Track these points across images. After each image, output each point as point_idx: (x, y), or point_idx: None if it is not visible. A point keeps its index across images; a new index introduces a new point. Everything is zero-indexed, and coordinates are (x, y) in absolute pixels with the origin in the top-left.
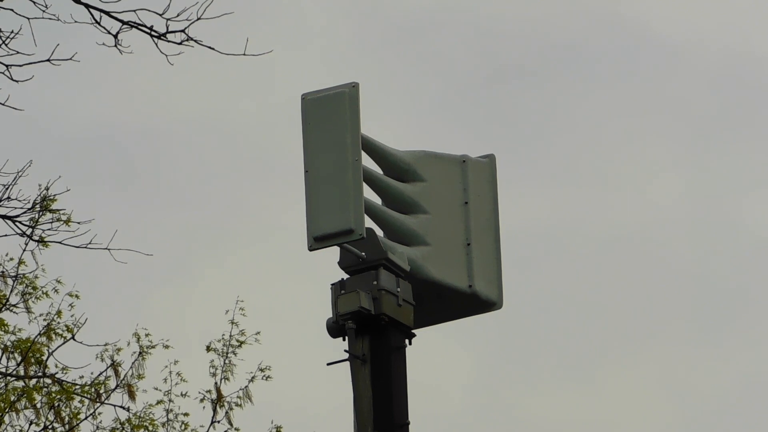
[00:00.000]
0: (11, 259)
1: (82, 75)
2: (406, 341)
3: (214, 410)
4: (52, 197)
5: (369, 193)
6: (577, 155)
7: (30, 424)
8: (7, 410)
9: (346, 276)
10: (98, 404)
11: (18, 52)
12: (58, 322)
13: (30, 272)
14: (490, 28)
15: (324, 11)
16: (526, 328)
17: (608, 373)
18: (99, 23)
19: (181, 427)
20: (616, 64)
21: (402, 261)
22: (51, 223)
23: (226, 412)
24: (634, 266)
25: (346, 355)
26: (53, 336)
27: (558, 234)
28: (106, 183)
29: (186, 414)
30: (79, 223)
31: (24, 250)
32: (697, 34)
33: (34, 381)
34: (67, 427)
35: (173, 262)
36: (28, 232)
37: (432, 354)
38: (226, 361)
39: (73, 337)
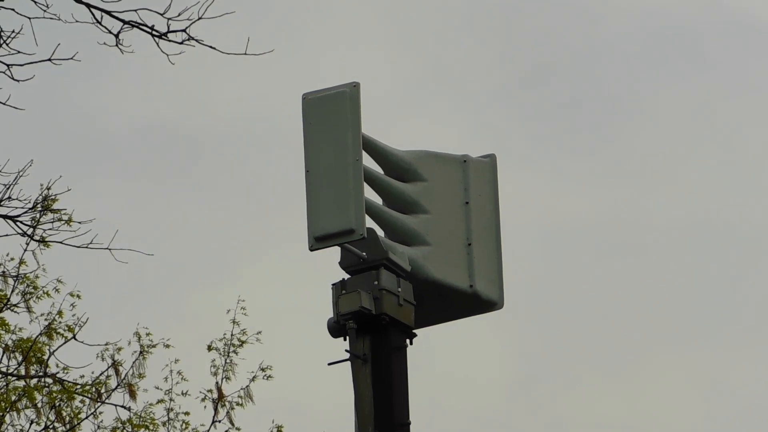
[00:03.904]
0: (12, 259)
1: (83, 74)
2: (407, 341)
3: (215, 409)
4: (53, 197)
5: (370, 193)
6: (659, 145)
7: (31, 424)
8: (8, 410)
9: (346, 276)
10: (99, 404)
11: (19, 52)
12: (59, 322)
13: (31, 272)
14: (587, 8)
15: (327, 10)
16: (562, 327)
17: (646, 373)
18: (100, 23)
19: (182, 426)
20: (714, 48)
21: (403, 261)
22: (52, 222)
23: (227, 412)
24: (673, 265)
25: (347, 355)
26: (54, 336)
27: (613, 229)
28: (107, 182)
29: (187, 413)
30: (80, 222)
31: (25, 250)
32: None
33: (35, 380)
34: (68, 426)
35: (173, 262)
36: (29, 232)
37: (467, 350)
38: (228, 361)
39: (74, 337)
